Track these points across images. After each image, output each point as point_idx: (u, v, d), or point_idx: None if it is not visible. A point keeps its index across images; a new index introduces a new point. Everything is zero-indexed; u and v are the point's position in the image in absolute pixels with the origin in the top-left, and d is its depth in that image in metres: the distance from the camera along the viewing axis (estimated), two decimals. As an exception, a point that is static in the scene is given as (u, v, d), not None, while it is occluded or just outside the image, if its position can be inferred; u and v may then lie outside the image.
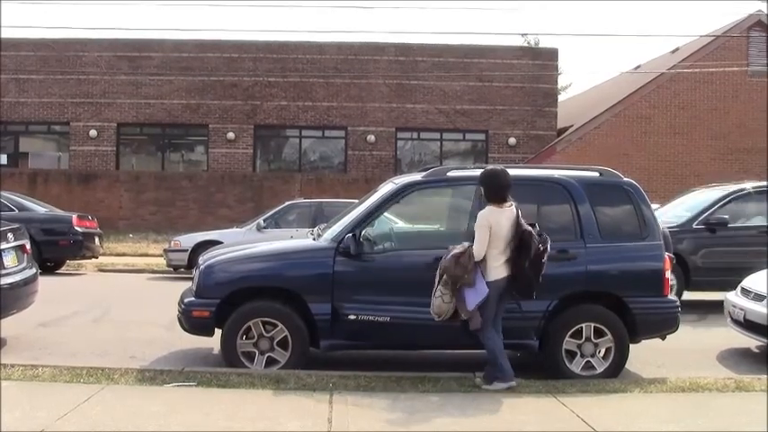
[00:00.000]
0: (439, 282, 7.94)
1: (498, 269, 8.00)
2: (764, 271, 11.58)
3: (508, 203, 8.03)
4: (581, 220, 9.04)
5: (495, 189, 8.08)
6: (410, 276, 8.81)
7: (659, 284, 9.06)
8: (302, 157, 35.85)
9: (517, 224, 7.93)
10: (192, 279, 9.67)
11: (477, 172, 9.58)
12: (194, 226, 27.71)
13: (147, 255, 24.37)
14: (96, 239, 20.63)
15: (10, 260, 9.93)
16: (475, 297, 7.87)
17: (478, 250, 7.87)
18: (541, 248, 7.90)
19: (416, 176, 9.60)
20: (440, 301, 7.93)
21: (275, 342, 8.78)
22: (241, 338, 8.77)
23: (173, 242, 20.10)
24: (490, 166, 8.58)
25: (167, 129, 35.41)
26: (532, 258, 7.88)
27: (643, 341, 9.40)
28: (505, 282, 8.05)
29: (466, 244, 7.96)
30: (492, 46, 34.98)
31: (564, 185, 9.17)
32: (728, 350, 11.02)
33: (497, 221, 7.92)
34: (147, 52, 34.42)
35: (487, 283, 7.91)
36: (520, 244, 7.90)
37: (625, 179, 9.52)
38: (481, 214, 8.00)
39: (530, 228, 7.96)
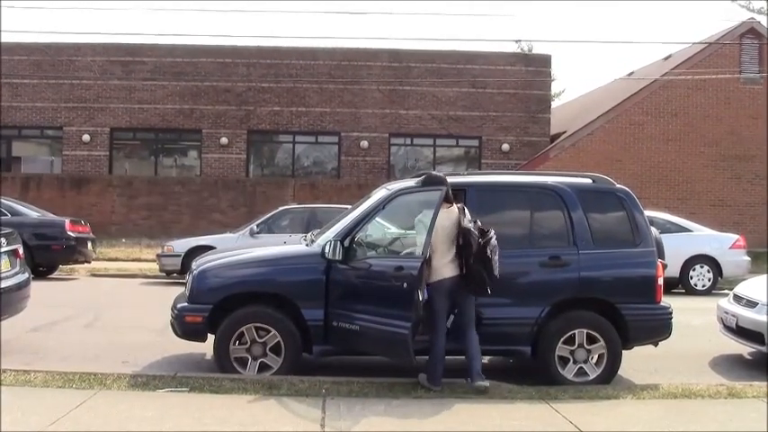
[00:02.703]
0: None
1: (443, 269, 8.27)
2: (757, 278, 11.64)
3: (450, 205, 8.34)
4: (574, 226, 9.06)
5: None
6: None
7: (652, 291, 9.08)
8: (295, 162, 35.81)
9: (458, 223, 8.20)
10: (184, 284, 9.66)
11: (470, 178, 9.66)
12: (187, 231, 27.68)
13: (139, 260, 24.34)
14: (89, 244, 20.59)
15: (2, 265, 9.88)
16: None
17: (425, 248, 8.13)
18: (481, 242, 7.98)
19: (409, 182, 9.61)
20: None
21: (268, 347, 8.78)
22: (234, 344, 8.77)
23: (165, 247, 20.08)
24: (429, 173, 8.95)
25: (160, 134, 35.33)
26: (476, 254, 8.01)
27: (636, 348, 9.42)
28: (453, 281, 8.28)
29: None
30: (485, 52, 35.00)
31: (557, 192, 9.20)
32: (721, 357, 11.05)
33: (438, 222, 8.17)
34: (140, 57, 34.36)
35: (431, 285, 8.22)
36: (462, 242, 8.14)
37: (618, 186, 9.55)
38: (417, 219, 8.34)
39: (469, 225, 8.13)
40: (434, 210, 8.79)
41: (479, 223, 8.26)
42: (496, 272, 8.09)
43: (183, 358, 9.99)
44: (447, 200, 8.34)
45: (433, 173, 9.16)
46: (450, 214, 8.27)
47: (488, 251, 8.00)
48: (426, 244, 8.50)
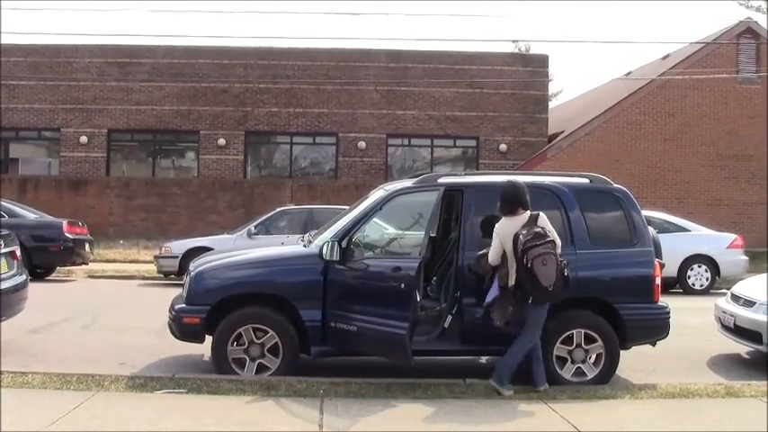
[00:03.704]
0: None
1: (509, 277, 8.22)
2: (755, 277, 11.65)
3: (520, 214, 8.26)
4: (571, 226, 9.06)
5: (501, 202, 8.43)
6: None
7: (649, 291, 9.09)
8: (293, 163, 35.80)
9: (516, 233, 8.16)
10: (182, 285, 9.66)
11: (468, 179, 9.65)
12: (185, 232, 27.67)
13: (137, 261, 24.30)
14: (87, 246, 20.57)
15: (0, 267, 9.89)
16: (488, 296, 8.35)
17: (490, 254, 8.29)
18: (521, 249, 7.98)
19: (407, 183, 9.61)
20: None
21: (266, 349, 8.78)
22: (232, 345, 8.77)
23: (163, 248, 20.06)
24: (506, 180, 8.74)
25: (158, 135, 35.29)
26: (518, 260, 8.03)
27: (633, 347, 9.43)
28: None
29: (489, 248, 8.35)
30: (483, 52, 35.01)
31: (554, 192, 9.20)
32: (719, 356, 11.05)
33: (506, 230, 8.19)
34: (137, 58, 34.34)
35: (505, 289, 8.19)
36: (513, 249, 8.13)
37: (615, 185, 9.56)
38: (496, 225, 8.34)
39: (520, 232, 8.06)
40: (432, 211, 8.82)
41: (541, 230, 8.14)
42: (546, 282, 7.97)
43: (180, 359, 9.99)
44: (523, 207, 8.32)
45: (431, 173, 9.17)
46: (518, 221, 8.22)
47: (526, 260, 7.95)
48: (424, 245, 8.52)
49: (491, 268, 8.33)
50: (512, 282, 8.17)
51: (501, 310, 8.24)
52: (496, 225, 8.31)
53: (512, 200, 8.35)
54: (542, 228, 8.14)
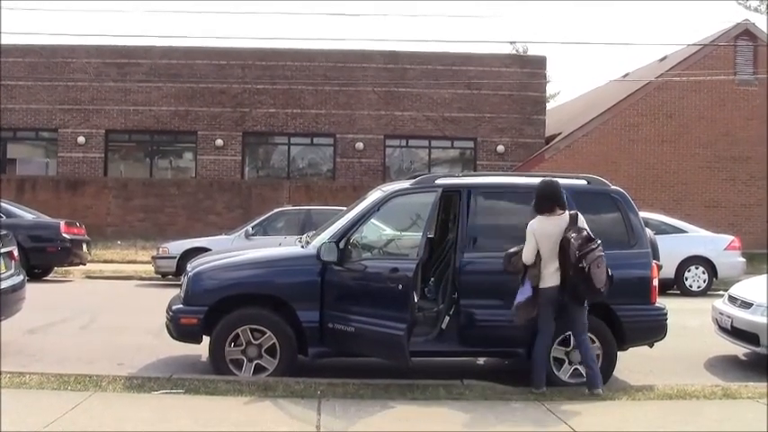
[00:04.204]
0: None
1: (551, 277, 8.24)
2: (752, 279, 11.65)
3: (558, 213, 8.25)
4: (569, 227, 9.05)
5: (537, 200, 8.42)
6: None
7: (647, 292, 9.10)
8: (291, 164, 35.80)
9: (563, 232, 8.13)
10: (180, 286, 9.65)
11: (466, 180, 9.66)
12: (183, 233, 27.65)
13: (135, 261, 24.27)
14: (84, 246, 20.56)
15: (-2, 267, 9.90)
16: (519, 296, 8.24)
17: (526, 254, 8.22)
18: (578, 255, 7.95)
19: (405, 184, 9.61)
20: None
21: (263, 349, 8.78)
22: (229, 346, 8.77)
23: (161, 249, 20.04)
24: (543, 179, 8.75)
25: (156, 135, 35.29)
26: (573, 265, 7.98)
27: (631, 348, 9.44)
28: (558, 290, 8.26)
29: (521, 247, 8.29)
30: (480, 54, 35.01)
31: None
32: (716, 358, 11.06)
33: (542, 229, 8.16)
34: (135, 59, 34.34)
35: (537, 289, 8.19)
36: (561, 251, 8.12)
37: (613, 187, 9.56)
38: (529, 223, 8.31)
39: (570, 235, 8.09)
40: (429, 212, 8.82)
41: (587, 233, 8.21)
42: (599, 284, 8.04)
43: (178, 360, 9.98)
44: (560, 206, 8.33)
45: (428, 174, 9.16)
46: (558, 221, 8.24)
47: (584, 263, 7.98)
48: (422, 246, 8.51)
49: (522, 267, 8.27)
50: (547, 283, 8.19)
51: (527, 310, 8.23)
52: (531, 224, 8.29)
53: (549, 198, 8.35)
54: (586, 229, 8.23)
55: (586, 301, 8.33)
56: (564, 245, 8.08)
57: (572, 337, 8.68)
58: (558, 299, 8.30)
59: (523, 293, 8.23)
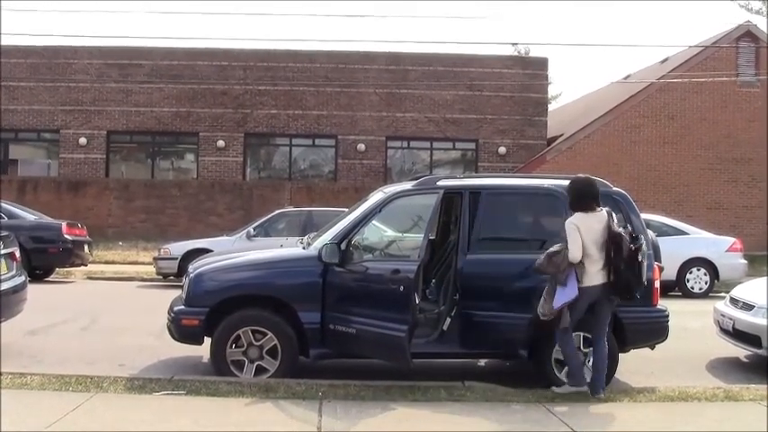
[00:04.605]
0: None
1: (595, 275, 8.14)
2: (754, 281, 11.64)
3: (597, 210, 8.22)
4: (570, 229, 9.04)
5: (576, 198, 8.33)
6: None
7: (649, 294, 9.07)
8: (292, 165, 35.81)
9: (608, 227, 8.09)
10: (181, 287, 9.66)
11: (467, 181, 9.65)
12: (184, 234, 27.64)
13: (136, 263, 24.30)
14: (86, 247, 20.56)
15: (-1, 268, 9.90)
16: (562, 297, 8.00)
17: (574, 252, 7.99)
18: (633, 248, 7.98)
19: (406, 186, 9.61)
20: (542, 300, 8.10)
21: (265, 351, 8.78)
22: (230, 347, 8.77)
23: (162, 250, 20.05)
24: (578, 176, 8.69)
25: (157, 136, 35.30)
26: (626, 259, 7.97)
27: (632, 350, 9.43)
28: (601, 289, 8.18)
29: (562, 244, 8.08)
30: (482, 55, 35.01)
31: (554, 195, 9.16)
32: (717, 359, 11.06)
33: (588, 225, 8.08)
34: (137, 60, 34.35)
35: (582, 288, 8.04)
36: (612, 246, 8.06)
37: (614, 188, 9.54)
38: (568, 220, 8.18)
39: (620, 230, 8.09)
40: (431, 214, 8.81)
41: (630, 228, 8.27)
42: (645, 278, 8.11)
43: (179, 361, 9.98)
44: (597, 203, 8.29)
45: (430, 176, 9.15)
46: (599, 218, 8.19)
47: (639, 257, 7.99)
48: (423, 248, 8.50)
49: (567, 267, 8.04)
50: (592, 281, 8.13)
51: (569, 310, 8.13)
52: (572, 221, 8.14)
53: (589, 195, 8.30)
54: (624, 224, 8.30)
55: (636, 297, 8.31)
56: (617, 240, 8.02)
57: (593, 339, 8.59)
58: (597, 298, 8.24)
59: (568, 294, 8.01)
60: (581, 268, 8.06)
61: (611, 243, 8.06)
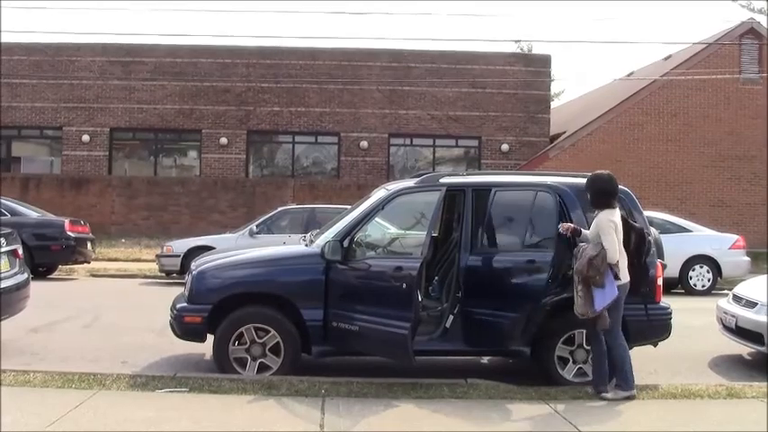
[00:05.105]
0: (579, 281, 7.93)
1: (625, 271, 8.12)
2: (757, 278, 11.62)
3: (616, 207, 8.20)
4: (573, 226, 9.03)
5: (604, 195, 8.19)
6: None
7: (651, 291, 9.05)
8: (295, 162, 35.80)
9: (627, 223, 8.11)
10: (184, 284, 9.66)
11: (470, 179, 9.64)
12: (187, 231, 27.68)
13: (139, 260, 24.31)
14: (88, 244, 20.58)
15: (2, 265, 9.87)
16: (603, 299, 7.88)
17: (614, 252, 7.88)
18: (652, 240, 8.09)
19: (409, 183, 9.61)
20: (582, 301, 7.95)
21: (267, 348, 8.78)
22: (233, 344, 8.77)
23: (165, 247, 20.06)
24: (599, 172, 8.51)
25: (160, 134, 35.32)
26: (646, 253, 8.11)
27: (635, 348, 9.41)
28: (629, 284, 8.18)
29: (598, 247, 7.90)
30: (485, 52, 34.99)
31: (556, 192, 9.13)
32: (720, 357, 11.04)
33: (618, 223, 8.04)
34: (140, 57, 34.35)
35: (620, 286, 7.99)
36: (638, 241, 8.09)
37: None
38: (603, 218, 8.01)
39: (644, 230, 8.18)
40: (433, 211, 8.79)
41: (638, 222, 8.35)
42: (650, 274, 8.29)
43: (182, 359, 9.99)
44: (617, 198, 8.27)
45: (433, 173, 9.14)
46: (618, 213, 8.17)
47: (652, 255, 8.10)
48: (426, 245, 8.48)
49: (607, 266, 7.88)
50: (627, 277, 8.10)
51: (607, 310, 8.00)
52: (607, 219, 7.99)
53: (613, 191, 8.22)
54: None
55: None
56: (640, 233, 8.10)
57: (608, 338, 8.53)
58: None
59: (609, 294, 7.88)
60: (616, 266, 7.98)
61: (638, 238, 8.10)
